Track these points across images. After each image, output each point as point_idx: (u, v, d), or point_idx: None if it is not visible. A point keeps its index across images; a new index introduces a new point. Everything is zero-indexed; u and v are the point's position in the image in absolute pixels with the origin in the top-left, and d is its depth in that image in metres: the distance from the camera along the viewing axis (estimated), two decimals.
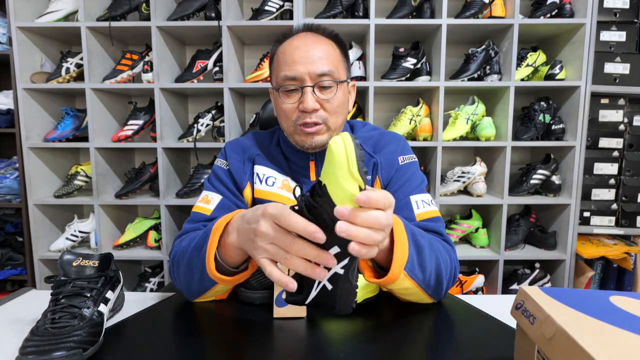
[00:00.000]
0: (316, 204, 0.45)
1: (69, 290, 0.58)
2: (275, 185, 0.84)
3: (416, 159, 0.87)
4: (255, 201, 0.84)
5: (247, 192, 0.84)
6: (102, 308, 0.59)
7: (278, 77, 0.79)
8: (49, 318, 0.54)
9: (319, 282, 0.49)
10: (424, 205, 0.77)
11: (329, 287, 0.49)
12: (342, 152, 0.43)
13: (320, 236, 0.45)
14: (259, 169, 0.85)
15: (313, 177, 0.84)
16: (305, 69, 0.75)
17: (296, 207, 0.48)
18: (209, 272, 0.61)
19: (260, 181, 0.84)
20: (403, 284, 0.61)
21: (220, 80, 1.72)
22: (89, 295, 0.58)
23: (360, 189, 0.44)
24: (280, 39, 0.83)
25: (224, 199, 0.81)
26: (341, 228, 0.43)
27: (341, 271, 0.48)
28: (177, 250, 0.73)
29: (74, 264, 0.61)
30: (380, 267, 0.62)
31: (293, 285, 0.47)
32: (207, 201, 0.81)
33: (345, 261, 0.47)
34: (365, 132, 0.91)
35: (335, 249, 0.46)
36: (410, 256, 0.60)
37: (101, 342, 0.55)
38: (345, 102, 0.82)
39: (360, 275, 0.71)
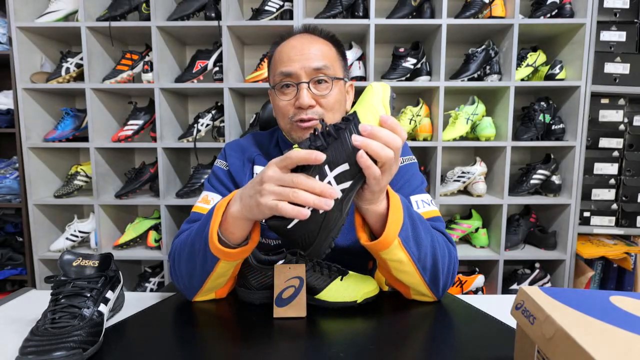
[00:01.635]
0: (342, 125, 0.53)
1: (69, 290, 0.58)
2: None
3: (416, 160, 0.88)
4: None
5: None
6: (102, 308, 0.59)
7: (275, 75, 0.80)
8: (49, 318, 0.54)
9: None
10: (424, 205, 0.78)
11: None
12: (379, 87, 0.56)
13: (320, 157, 0.51)
14: (259, 170, 0.85)
15: None
16: (301, 64, 0.77)
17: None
18: (211, 247, 0.61)
19: None
20: (397, 253, 0.62)
21: (220, 80, 1.72)
22: (89, 295, 0.58)
23: None
24: (277, 40, 0.85)
25: None
26: (357, 138, 0.51)
27: (339, 194, 0.53)
28: (177, 244, 0.73)
29: (74, 264, 0.61)
30: (376, 239, 0.63)
31: (306, 212, 0.51)
32: (206, 201, 0.81)
33: (347, 184, 0.53)
34: None
35: (344, 167, 0.52)
36: (405, 225, 0.62)
37: (101, 342, 0.55)
38: (341, 100, 0.83)
39: (361, 276, 0.71)
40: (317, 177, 0.52)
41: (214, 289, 0.70)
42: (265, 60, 1.75)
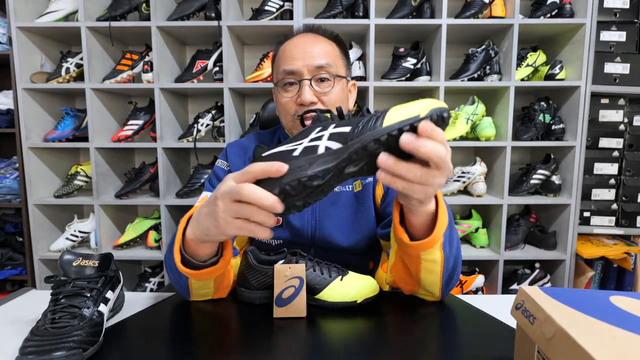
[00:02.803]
0: (379, 114, 0.49)
1: (69, 290, 0.58)
2: None
3: None
4: None
5: None
6: (102, 308, 0.59)
7: (278, 73, 0.81)
8: (49, 318, 0.54)
9: (314, 139, 0.50)
10: None
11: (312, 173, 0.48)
12: (434, 101, 0.49)
13: (279, 206, 0.48)
14: None
15: None
16: (303, 62, 0.78)
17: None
18: (177, 266, 0.61)
19: None
20: (435, 253, 0.60)
21: (220, 80, 1.72)
22: (89, 295, 0.58)
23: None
24: (281, 39, 0.86)
25: None
26: (406, 138, 0.45)
27: (336, 145, 0.48)
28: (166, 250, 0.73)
29: (74, 264, 0.61)
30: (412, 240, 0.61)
31: (270, 234, 0.51)
32: None
33: (334, 145, 0.49)
34: None
35: (345, 129, 0.49)
36: (448, 225, 0.60)
37: (101, 342, 0.55)
38: (344, 98, 0.83)
39: (361, 276, 0.71)
40: (320, 128, 0.51)
41: (204, 296, 0.70)
42: (265, 60, 1.75)
